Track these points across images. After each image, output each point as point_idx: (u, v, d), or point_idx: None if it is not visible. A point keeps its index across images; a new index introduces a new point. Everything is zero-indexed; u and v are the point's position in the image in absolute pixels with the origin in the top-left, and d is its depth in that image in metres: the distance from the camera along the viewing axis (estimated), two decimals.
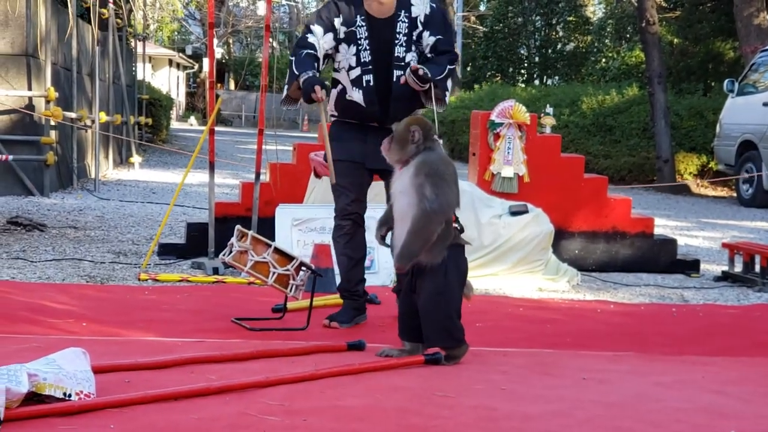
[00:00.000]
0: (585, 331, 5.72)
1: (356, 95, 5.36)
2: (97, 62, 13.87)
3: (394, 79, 5.32)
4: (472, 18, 38.19)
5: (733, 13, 17.32)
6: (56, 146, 11.91)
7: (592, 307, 6.50)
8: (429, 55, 5.38)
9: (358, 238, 5.55)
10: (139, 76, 21.18)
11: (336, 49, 5.37)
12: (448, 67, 5.33)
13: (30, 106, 11.50)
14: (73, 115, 12.55)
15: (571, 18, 30.54)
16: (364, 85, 5.33)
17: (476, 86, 27.59)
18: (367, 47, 5.33)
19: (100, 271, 7.00)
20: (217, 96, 7.73)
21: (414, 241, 4.37)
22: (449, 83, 5.46)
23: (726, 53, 21.79)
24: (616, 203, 8.21)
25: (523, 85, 28.79)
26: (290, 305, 5.61)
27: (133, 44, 20.11)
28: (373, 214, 7.05)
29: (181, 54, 49.93)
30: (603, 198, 8.18)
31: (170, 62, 48.38)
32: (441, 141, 4.65)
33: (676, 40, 22.66)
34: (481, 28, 34.77)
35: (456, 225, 4.51)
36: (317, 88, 5.12)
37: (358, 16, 5.34)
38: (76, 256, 7.56)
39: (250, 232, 5.32)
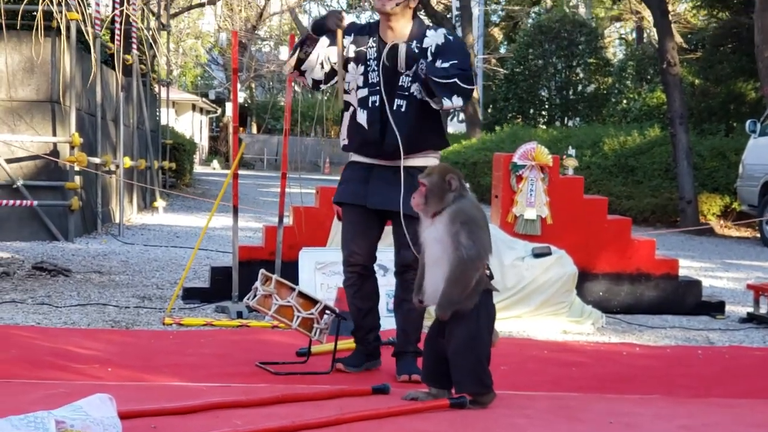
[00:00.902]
0: (610, 374, 5.70)
1: (361, 116, 5.27)
2: (122, 108, 13.99)
3: (394, 108, 5.19)
4: (493, 60, 38.36)
5: (754, 53, 17.31)
6: (81, 191, 12.00)
7: (618, 350, 6.48)
8: None
9: (366, 289, 5.41)
10: (163, 121, 21.34)
11: (345, 68, 5.30)
12: (456, 79, 5.03)
13: (55, 152, 11.61)
14: (97, 160, 12.65)
15: (591, 60, 30.60)
16: (370, 105, 5.24)
17: (497, 128, 27.65)
18: (376, 68, 5.23)
19: (125, 315, 7.03)
20: (240, 140, 7.76)
21: (453, 289, 4.39)
22: (455, 98, 5.07)
23: (747, 93, 21.78)
24: (640, 245, 8.19)
25: (544, 127, 28.84)
26: (314, 349, 5.62)
27: (156, 89, 20.30)
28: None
29: (204, 99, 50.33)
30: (627, 239, 8.16)
31: (193, 107, 48.78)
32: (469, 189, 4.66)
33: (697, 81, 22.67)
34: (501, 70, 34.88)
35: (486, 271, 4.52)
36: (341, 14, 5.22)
37: (371, 39, 5.28)
38: (101, 301, 7.60)
39: (275, 276, 5.34)
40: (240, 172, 7.50)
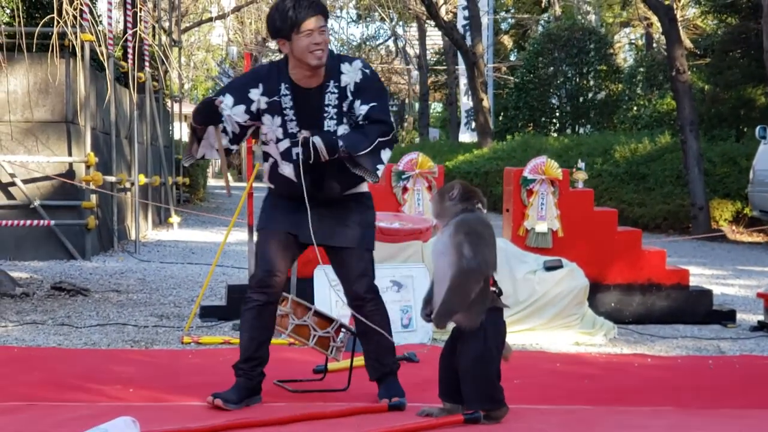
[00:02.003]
0: (623, 386, 5.78)
1: (287, 170, 4.95)
2: (135, 125, 14.13)
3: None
4: (503, 69, 38.44)
5: (762, 59, 17.36)
6: (97, 210, 12.14)
7: (629, 361, 6.56)
8: (362, 123, 4.91)
9: (268, 316, 5.06)
10: (176, 136, 21.47)
11: (260, 120, 4.94)
12: (379, 139, 4.82)
13: (70, 172, 11.75)
14: (112, 178, 12.79)
15: (601, 67, 30.64)
16: (294, 158, 4.88)
17: (508, 137, 27.72)
18: (294, 117, 4.88)
19: (144, 335, 7.14)
20: (254, 158, 7.88)
21: (452, 299, 4.47)
22: (384, 155, 4.88)
23: (757, 99, 21.81)
24: (651, 255, 8.27)
25: (555, 135, 28.88)
26: (331, 366, 5.71)
27: (169, 105, 20.44)
28: (410, 274, 7.24)
29: None
30: (637, 250, 8.24)
31: None
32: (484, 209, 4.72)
33: (706, 87, 22.70)
34: (511, 78, 34.95)
35: (494, 288, 4.61)
36: (218, 99, 4.78)
37: (283, 84, 4.88)
38: (120, 320, 7.71)
39: (291, 296, 5.44)
40: (254, 184, 7.60)
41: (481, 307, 4.51)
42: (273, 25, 4.83)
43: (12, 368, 5.83)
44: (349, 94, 4.90)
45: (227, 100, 4.84)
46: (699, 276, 11.06)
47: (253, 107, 4.90)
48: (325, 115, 4.88)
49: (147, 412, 4.62)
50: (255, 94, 4.87)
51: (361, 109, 4.88)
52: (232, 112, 4.87)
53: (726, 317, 8.22)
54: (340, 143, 4.79)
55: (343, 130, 4.90)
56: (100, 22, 14.40)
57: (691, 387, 5.79)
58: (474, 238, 4.49)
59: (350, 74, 4.90)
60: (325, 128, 4.87)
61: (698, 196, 16.89)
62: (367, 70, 4.95)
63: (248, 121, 4.93)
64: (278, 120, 4.90)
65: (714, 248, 15.67)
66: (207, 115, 4.83)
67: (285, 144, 4.92)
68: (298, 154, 4.84)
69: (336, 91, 4.88)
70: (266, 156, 5.06)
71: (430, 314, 4.67)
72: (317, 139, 4.76)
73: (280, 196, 5.08)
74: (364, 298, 5.06)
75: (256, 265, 5.09)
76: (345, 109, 4.91)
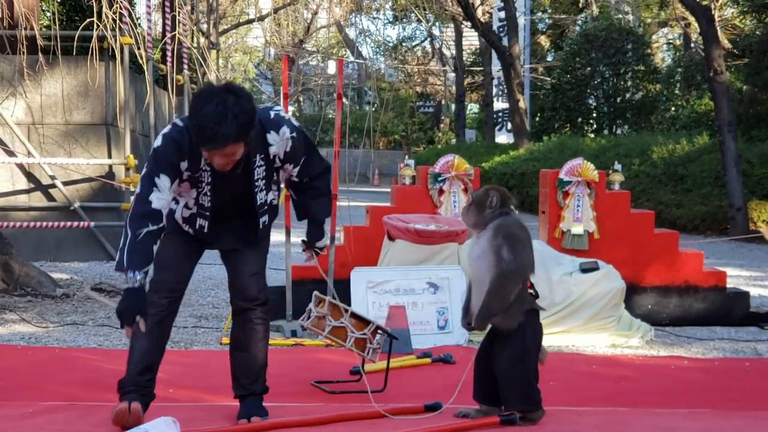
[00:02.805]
0: (659, 388, 5.79)
1: (185, 226, 4.75)
2: None
3: (261, 227, 4.80)
4: (540, 69, 38.35)
5: None
6: None
7: (666, 363, 6.56)
8: (304, 181, 4.86)
9: (167, 323, 4.80)
10: None
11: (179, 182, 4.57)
12: (326, 198, 5.00)
13: (110, 174, 11.87)
14: None
15: (639, 67, 30.49)
16: (197, 227, 4.72)
17: (545, 138, 27.65)
18: (209, 193, 4.63)
19: (183, 335, 7.22)
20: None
21: (492, 301, 4.50)
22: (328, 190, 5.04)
23: None
24: (688, 257, 8.25)
25: (592, 136, 28.78)
26: (367, 367, 5.74)
27: None
28: (446, 275, 7.27)
29: None
30: (674, 252, 8.22)
31: None
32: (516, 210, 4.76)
33: (745, 87, 22.53)
34: (548, 79, 34.86)
35: (531, 291, 4.63)
36: (138, 318, 4.30)
37: (203, 160, 4.53)
38: None
39: (328, 298, 5.49)
40: None
41: (519, 309, 4.54)
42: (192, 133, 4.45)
43: (53, 368, 5.92)
44: (278, 161, 4.70)
45: (164, 182, 4.42)
46: (736, 278, 11.01)
47: (182, 177, 4.55)
48: (256, 189, 4.66)
49: (186, 412, 4.69)
50: (183, 166, 4.50)
51: (294, 170, 4.78)
52: (172, 189, 4.50)
53: (763, 319, 8.19)
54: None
55: (271, 196, 4.78)
56: (139, 24, 14.54)
57: (728, 389, 5.79)
58: (513, 241, 4.52)
59: (278, 145, 4.64)
60: (258, 201, 4.69)
61: (736, 197, 16.77)
62: (294, 134, 4.67)
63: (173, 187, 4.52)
64: (193, 192, 4.64)
65: (752, 249, 15.57)
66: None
67: (191, 211, 4.70)
68: (202, 225, 4.69)
69: (263, 163, 4.65)
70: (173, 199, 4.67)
71: (470, 323, 4.68)
72: (321, 244, 5.09)
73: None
74: (253, 300, 4.84)
75: (161, 269, 4.69)
76: (274, 177, 4.76)
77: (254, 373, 4.87)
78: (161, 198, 4.39)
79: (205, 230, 4.71)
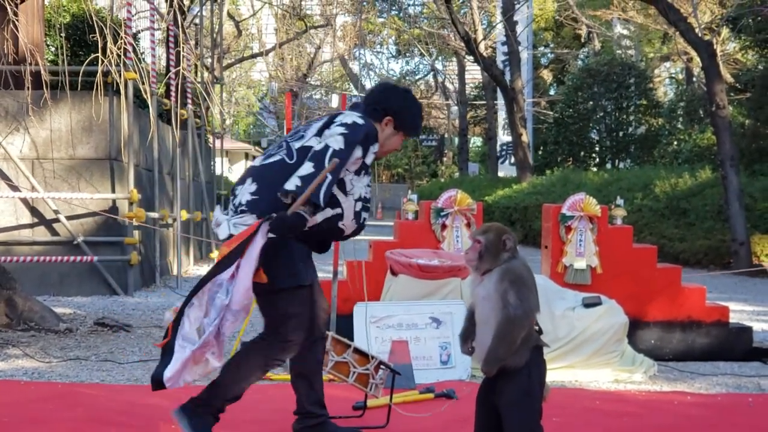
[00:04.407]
0: (662, 424, 5.77)
1: (350, 227, 4.88)
2: (178, 161, 14.30)
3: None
4: (542, 103, 38.48)
5: None
6: (139, 246, 12.27)
7: (669, 399, 6.54)
8: None
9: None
10: (218, 172, 21.69)
11: (357, 171, 4.81)
12: None
13: (114, 208, 11.91)
14: (155, 215, 12.94)
15: (641, 101, 30.60)
16: (362, 220, 4.90)
17: (548, 171, 27.72)
18: (369, 184, 4.93)
19: None
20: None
21: (499, 346, 4.49)
22: None
23: None
24: (691, 292, 8.25)
25: (594, 169, 28.84)
26: (370, 403, 5.74)
27: (211, 141, 20.64)
28: (449, 310, 7.27)
29: (256, 147, 50.93)
30: (677, 287, 8.23)
31: (246, 155, 49.36)
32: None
33: (747, 122, 22.62)
34: (551, 113, 34.98)
35: (536, 327, 4.63)
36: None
37: (376, 145, 4.88)
38: None
39: (331, 334, 5.49)
40: None
41: (526, 347, 4.53)
42: (415, 114, 5.03)
43: (56, 404, 5.91)
44: None
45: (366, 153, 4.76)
46: (740, 312, 11.00)
47: (368, 160, 4.82)
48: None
49: None
50: (371, 150, 4.81)
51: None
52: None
53: (767, 354, 8.18)
54: None
55: None
56: (143, 59, 14.64)
57: (731, 425, 5.77)
58: (520, 286, 4.50)
59: None
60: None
61: (739, 231, 16.80)
62: None
63: (349, 170, 4.76)
64: (366, 179, 4.87)
65: (755, 284, 15.56)
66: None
67: (360, 205, 4.87)
68: (365, 218, 4.90)
69: None
70: (333, 203, 4.77)
71: (472, 350, 4.68)
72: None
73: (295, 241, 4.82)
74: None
75: (298, 330, 4.87)
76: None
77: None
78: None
79: (365, 222, 4.92)
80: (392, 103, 4.94)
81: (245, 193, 4.71)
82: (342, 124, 4.71)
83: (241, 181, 4.81)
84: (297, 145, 4.75)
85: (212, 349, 4.43)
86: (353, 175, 4.76)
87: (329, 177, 4.49)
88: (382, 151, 5.00)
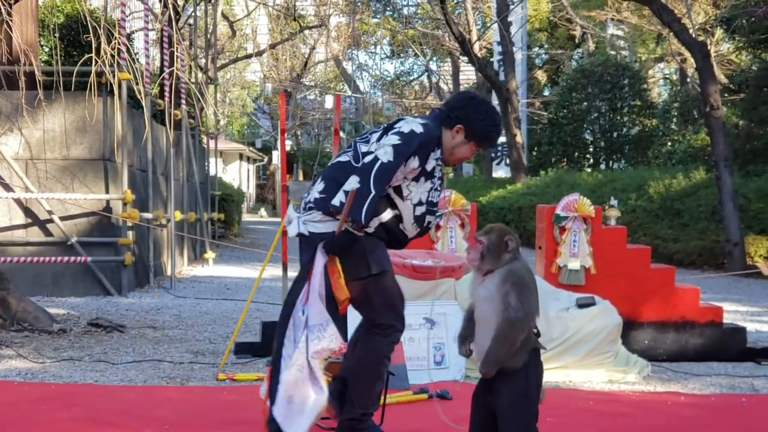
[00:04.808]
0: (656, 424, 5.78)
1: (411, 230, 4.95)
2: (172, 162, 14.28)
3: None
4: (536, 104, 38.49)
5: None
6: (133, 246, 12.26)
7: (663, 399, 6.55)
8: None
9: None
10: (211, 172, 21.69)
11: (415, 178, 4.85)
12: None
13: (107, 209, 11.90)
14: (149, 215, 12.93)
15: (635, 102, 30.62)
16: (426, 224, 4.96)
17: (542, 172, 27.73)
18: (439, 188, 4.97)
19: (179, 371, 7.21)
20: (288, 194, 7.96)
21: (499, 348, 4.49)
22: None
23: None
24: (684, 293, 8.26)
25: (589, 170, 28.86)
26: None
27: (205, 141, 20.62)
28: (443, 311, 7.27)
29: (251, 148, 50.90)
30: (671, 288, 8.23)
31: (240, 156, 49.33)
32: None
33: (741, 122, 22.64)
34: (545, 114, 35.00)
35: (534, 329, 4.63)
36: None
37: (439, 151, 4.92)
38: (156, 357, 7.79)
39: None
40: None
41: (524, 349, 4.53)
42: (487, 125, 4.97)
43: (50, 405, 5.91)
44: None
45: (411, 163, 4.75)
46: (734, 313, 11.02)
47: (426, 165, 4.84)
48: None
49: None
50: (432, 156, 4.85)
51: None
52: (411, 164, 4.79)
53: (760, 354, 8.19)
54: None
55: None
56: (137, 60, 14.61)
57: (725, 426, 5.78)
58: (521, 289, 4.50)
59: None
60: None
61: (733, 232, 16.82)
62: None
63: (405, 177, 4.81)
64: (428, 185, 4.89)
65: (749, 284, 15.58)
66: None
67: (421, 209, 4.90)
68: (429, 222, 4.96)
69: None
70: (391, 205, 4.86)
71: (470, 352, 4.67)
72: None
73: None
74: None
75: (395, 304, 4.98)
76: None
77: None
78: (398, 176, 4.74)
79: (431, 226, 5.00)
80: (465, 112, 4.94)
81: (315, 192, 4.80)
82: (398, 133, 4.74)
83: (314, 181, 4.92)
84: (363, 148, 4.81)
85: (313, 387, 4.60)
86: (410, 182, 4.82)
87: (373, 192, 4.53)
88: (453, 159, 5.01)
